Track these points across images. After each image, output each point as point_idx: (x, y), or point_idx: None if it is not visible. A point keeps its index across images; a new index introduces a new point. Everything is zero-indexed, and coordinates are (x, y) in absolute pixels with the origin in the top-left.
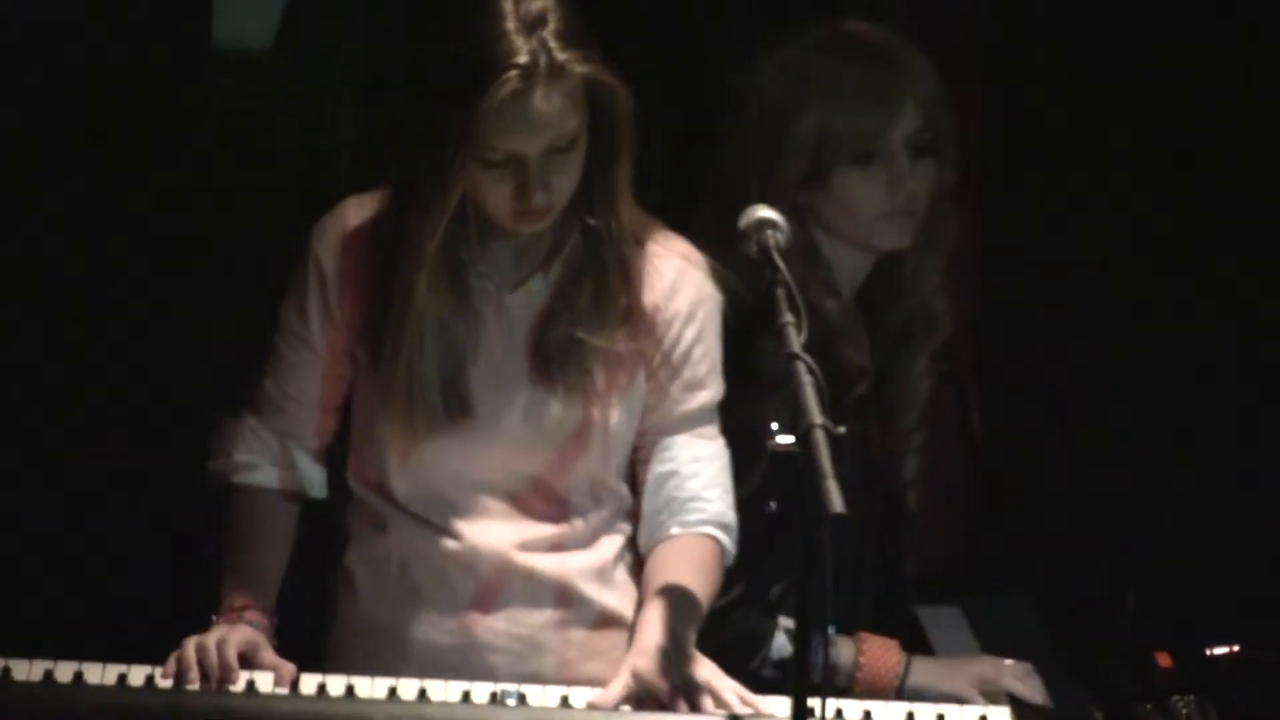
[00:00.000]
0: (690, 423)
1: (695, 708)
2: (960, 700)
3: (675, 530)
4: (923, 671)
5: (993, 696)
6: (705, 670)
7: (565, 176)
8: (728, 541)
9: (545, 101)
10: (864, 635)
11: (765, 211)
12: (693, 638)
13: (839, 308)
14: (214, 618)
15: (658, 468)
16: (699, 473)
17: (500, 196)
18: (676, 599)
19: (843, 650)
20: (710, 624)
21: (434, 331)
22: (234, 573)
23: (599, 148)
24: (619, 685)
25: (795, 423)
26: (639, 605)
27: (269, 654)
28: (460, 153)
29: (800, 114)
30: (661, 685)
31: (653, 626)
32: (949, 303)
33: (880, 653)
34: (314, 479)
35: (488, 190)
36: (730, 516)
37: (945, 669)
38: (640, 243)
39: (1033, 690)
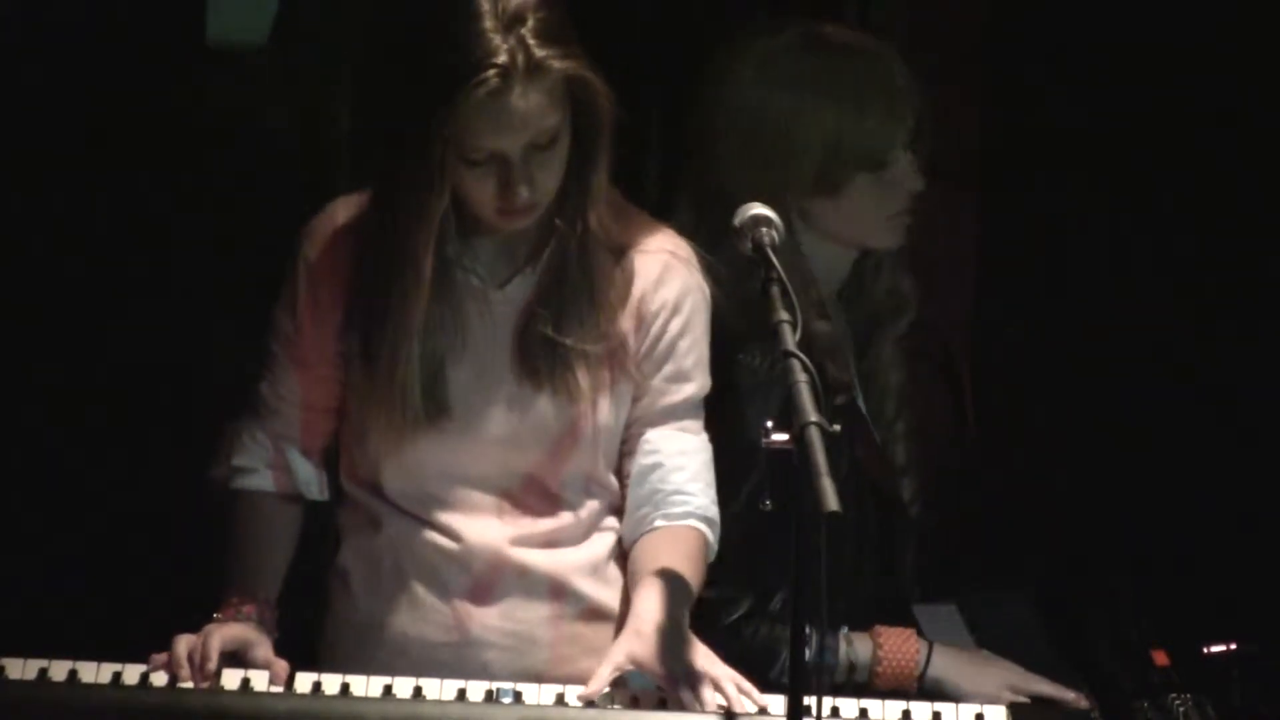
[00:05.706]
0: (674, 415)
1: (695, 694)
2: (987, 699)
3: (659, 523)
4: (946, 663)
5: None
6: (702, 657)
7: (548, 173)
8: (711, 536)
9: (524, 100)
10: (880, 629)
11: (760, 209)
12: (687, 622)
13: (827, 330)
14: (215, 616)
15: (642, 460)
16: (684, 466)
17: (484, 195)
18: (669, 584)
19: (859, 647)
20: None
21: (418, 335)
22: (232, 572)
23: (578, 148)
24: (607, 670)
25: (790, 420)
26: (625, 593)
27: (262, 651)
28: (446, 156)
29: (815, 123)
30: (658, 670)
31: (648, 611)
32: (913, 282)
33: (899, 644)
34: (310, 480)
35: (472, 189)
36: (713, 511)
37: (972, 666)
38: (619, 245)
39: (1058, 689)
